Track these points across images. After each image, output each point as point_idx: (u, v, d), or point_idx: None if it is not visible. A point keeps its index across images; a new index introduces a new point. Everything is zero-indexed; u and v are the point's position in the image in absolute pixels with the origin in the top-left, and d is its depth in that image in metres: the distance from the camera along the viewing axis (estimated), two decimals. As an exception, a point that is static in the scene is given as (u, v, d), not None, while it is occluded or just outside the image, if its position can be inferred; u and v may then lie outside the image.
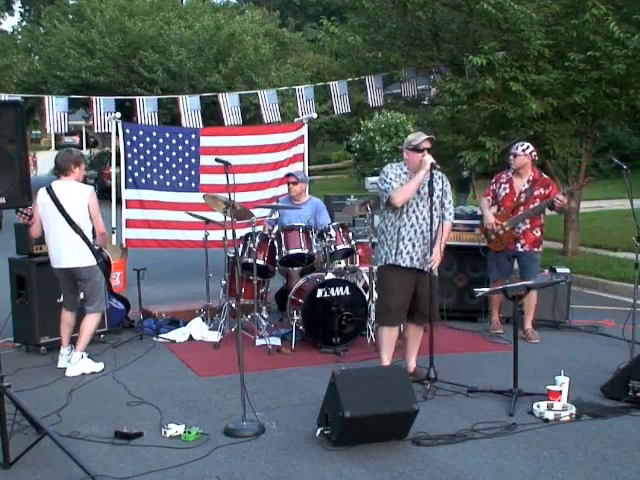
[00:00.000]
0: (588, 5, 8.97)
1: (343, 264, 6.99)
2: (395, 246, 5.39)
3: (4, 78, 25.86)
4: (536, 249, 6.92)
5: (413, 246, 5.36)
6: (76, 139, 53.68)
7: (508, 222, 6.83)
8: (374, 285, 6.75)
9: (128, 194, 8.27)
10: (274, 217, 7.56)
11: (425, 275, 5.33)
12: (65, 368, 5.88)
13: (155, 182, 8.34)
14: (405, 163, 5.49)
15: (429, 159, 5.28)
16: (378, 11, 11.36)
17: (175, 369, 6.05)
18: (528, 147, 6.86)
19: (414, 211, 5.38)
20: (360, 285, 6.92)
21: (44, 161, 37.41)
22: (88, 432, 4.60)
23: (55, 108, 10.39)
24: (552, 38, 9.58)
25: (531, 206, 6.81)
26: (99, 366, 5.92)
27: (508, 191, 6.91)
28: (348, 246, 6.86)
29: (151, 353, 6.41)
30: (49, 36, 26.67)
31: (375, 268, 5.61)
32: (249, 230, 6.85)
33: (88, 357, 5.96)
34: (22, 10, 40.14)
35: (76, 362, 5.83)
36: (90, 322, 5.99)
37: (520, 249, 6.87)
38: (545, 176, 7.13)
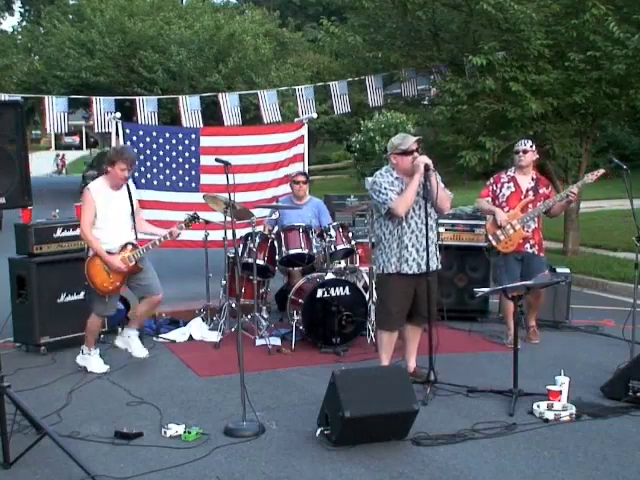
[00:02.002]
0: (588, 5, 8.97)
1: (343, 264, 7.00)
2: (398, 254, 5.30)
3: (4, 78, 25.85)
4: (542, 253, 6.72)
5: (417, 251, 5.30)
6: (76, 139, 53.80)
7: (518, 220, 6.52)
8: (374, 285, 6.76)
9: (128, 194, 8.26)
10: (274, 217, 7.56)
11: (424, 277, 5.28)
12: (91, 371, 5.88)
13: (155, 182, 8.34)
14: (393, 167, 5.36)
15: (422, 161, 5.16)
16: (378, 11, 11.37)
17: (175, 369, 6.05)
18: (532, 143, 6.75)
19: (412, 217, 5.30)
20: (360, 285, 6.92)
21: (42, 161, 37.54)
22: (88, 432, 4.59)
23: (55, 108, 10.40)
24: (552, 38, 9.59)
25: (538, 204, 6.55)
26: (103, 368, 5.89)
27: (514, 190, 6.62)
28: (348, 246, 6.86)
29: (151, 353, 6.40)
30: (49, 36, 26.66)
31: (375, 268, 5.58)
32: (249, 230, 6.86)
33: (100, 357, 5.97)
34: (22, 10, 40.11)
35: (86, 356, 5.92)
36: (89, 321, 5.95)
37: (529, 250, 6.60)
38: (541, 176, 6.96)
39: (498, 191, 6.69)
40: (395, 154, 5.31)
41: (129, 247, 5.74)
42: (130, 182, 5.96)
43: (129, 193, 5.90)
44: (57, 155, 41.50)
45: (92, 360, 5.88)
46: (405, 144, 5.28)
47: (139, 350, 5.99)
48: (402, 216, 5.25)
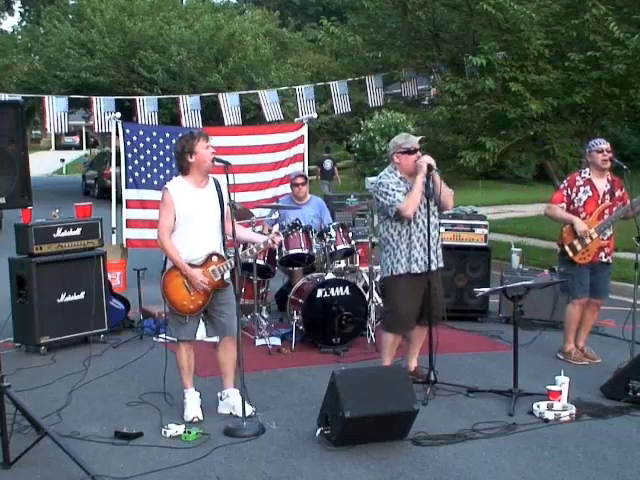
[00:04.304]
0: (588, 5, 8.97)
1: (343, 264, 7.00)
2: (407, 254, 5.29)
3: (4, 78, 25.82)
4: (611, 260, 6.24)
5: (425, 250, 5.27)
6: (76, 139, 53.84)
7: (595, 229, 5.98)
8: (374, 285, 6.77)
9: (128, 194, 8.28)
10: (273, 217, 7.56)
11: (432, 276, 5.28)
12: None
13: (155, 182, 8.34)
14: (396, 168, 5.33)
15: (425, 161, 5.15)
16: (378, 11, 11.40)
17: (175, 369, 6.04)
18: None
19: (419, 216, 5.28)
20: (360, 285, 6.92)
21: (42, 161, 37.58)
22: (88, 432, 4.60)
23: (55, 108, 10.42)
24: (552, 38, 9.60)
25: (614, 209, 6.03)
26: (190, 415, 4.91)
27: (591, 194, 6.03)
28: (348, 246, 6.86)
29: (151, 353, 6.40)
30: (49, 36, 26.61)
31: (382, 272, 5.53)
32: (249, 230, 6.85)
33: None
34: (22, 10, 40.11)
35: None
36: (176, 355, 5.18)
37: (604, 259, 6.10)
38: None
39: (574, 195, 6.10)
40: (398, 153, 5.29)
41: (214, 258, 4.80)
42: (221, 181, 4.88)
43: (218, 191, 4.89)
44: (85, 155, 42.31)
45: (187, 401, 5.01)
46: (409, 142, 5.26)
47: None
48: (411, 217, 5.23)
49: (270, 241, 5.08)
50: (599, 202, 6.06)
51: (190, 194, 4.79)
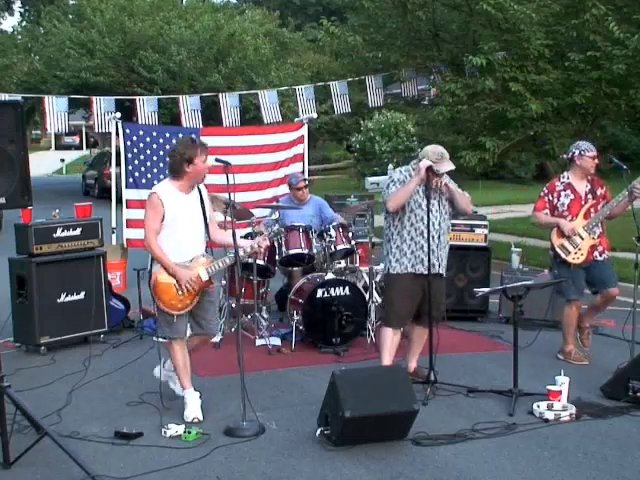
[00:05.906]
0: (588, 5, 8.98)
1: (343, 264, 7.00)
2: (407, 254, 5.32)
3: (4, 78, 25.82)
4: (608, 255, 6.22)
5: (432, 252, 5.26)
6: (76, 139, 53.86)
7: (584, 228, 5.99)
8: (374, 285, 6.77)
9: (128, 194, 8.27)
10: (274, 217, 7.56)
11: (434, 277, 5.29)
12: None
13: (155, 182, 8.28)
14: (414, 168, 5.37)
15: (424, 164, 5.18)
16: (378, 11, 11.40)
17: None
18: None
19: (430, 219, 5.26)
20: (360, 285, 6.92)
21: (42, 161, 37.60)
22: (88, 432, 4.60)
23: (55, 108, 10.42)
24: (552, 38, 9.61)
25: (599, 207, 6.05)
26: (190, 416, 4.89)
27: (573, 197, 6.07)
28: (348, 246, 6.86)
29: (151, 353, 6.38)
30: (49, 36, 26.61)
31: (377, 268, 5.57)
32: (249, 230, 6.86)
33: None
34: (22, 10, 40.10)
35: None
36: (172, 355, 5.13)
37: (599, 257, 6.08)
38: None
39: (555, 200, 6.14)
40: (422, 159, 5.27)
41: (201, 260, 4.90)
42: (201, 185, 5.04)
43: (201, 197, 4.99)
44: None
45: (187, 401, 4.98)
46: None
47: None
48: (391, 211, 5.30)
49: (257, 245, 5.11)
50: (583, 202, 6.10)
51: (176, 197, 4.87)
